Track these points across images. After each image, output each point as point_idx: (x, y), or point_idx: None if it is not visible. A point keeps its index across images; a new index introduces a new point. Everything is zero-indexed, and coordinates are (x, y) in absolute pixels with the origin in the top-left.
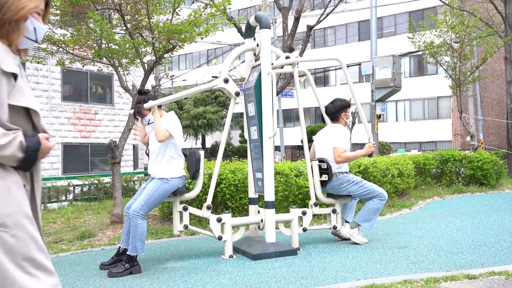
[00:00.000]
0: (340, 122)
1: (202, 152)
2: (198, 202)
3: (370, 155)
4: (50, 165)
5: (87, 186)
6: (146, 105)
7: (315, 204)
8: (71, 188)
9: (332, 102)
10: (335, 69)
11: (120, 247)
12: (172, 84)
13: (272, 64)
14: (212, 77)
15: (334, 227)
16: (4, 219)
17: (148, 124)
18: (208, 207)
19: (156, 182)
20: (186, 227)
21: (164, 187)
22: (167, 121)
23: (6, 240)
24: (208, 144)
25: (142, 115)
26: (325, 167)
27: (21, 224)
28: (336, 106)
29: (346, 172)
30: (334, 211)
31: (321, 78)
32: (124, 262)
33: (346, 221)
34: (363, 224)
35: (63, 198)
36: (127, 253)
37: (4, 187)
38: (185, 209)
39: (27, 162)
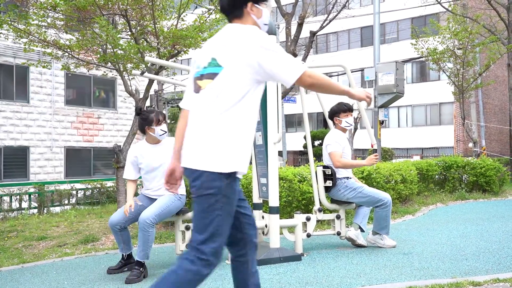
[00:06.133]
0: (336, 127)
1: None
2: None
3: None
4: (53, 169)
5: (90, 190)
6: (147, 59)
7: (319, 210)
8: (74, 192)
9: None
10: (338, 75)
11: (123, 254)
12: (175, 88)
13: None
14: None
15: (338, 233)
16: None
17: (161, 135)
18: None
19: (170, 197)
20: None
21: (176, 204)
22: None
23: None
24: None
25: (155, 124)
26: (329, 172)
27: None
28: (331, 109)
29: (346, 178)
30: (338, 217)
31: None
32: (136, 267)
33: (360, 227)
34: (380, 232)
35: (66, 202)
36: (139, 260)
37: None
38: (187, 228)
39: None
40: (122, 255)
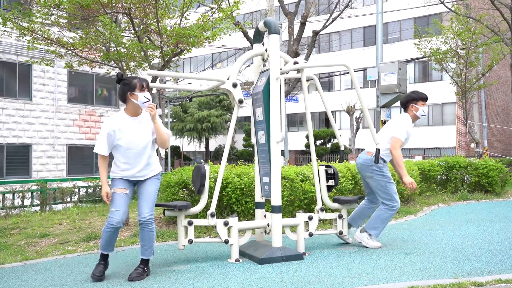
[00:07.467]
0: (408, 113)
1: (207, 167)
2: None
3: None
4: (55, 167)
5: (92, 188)
6: (148, 72)
7: (322, 209)
8: (76, 190)
9: (408, 93)
10: (340, 74)
11: (107, 254)
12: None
13: (280, 69)
14: None
15: (340, 232)
16: None
17: (144, 102)
18: (212, 215)
19: (153, 182)
20: (190, 241)
21: (158, 185)
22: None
23: None
24: (211, 148)
25: (138, 90)
26: (332, 172)
27: None
28: (407, 96)
29: (384, 161)
30: (340, 217)
31: (326, 83)
32: (141, 265)
33: (352, 227)
34: (370, 231)
35: (68, 199)
36: (147, 257)
37: None
38: (190, 223)
39: None
40: (103, 255)
